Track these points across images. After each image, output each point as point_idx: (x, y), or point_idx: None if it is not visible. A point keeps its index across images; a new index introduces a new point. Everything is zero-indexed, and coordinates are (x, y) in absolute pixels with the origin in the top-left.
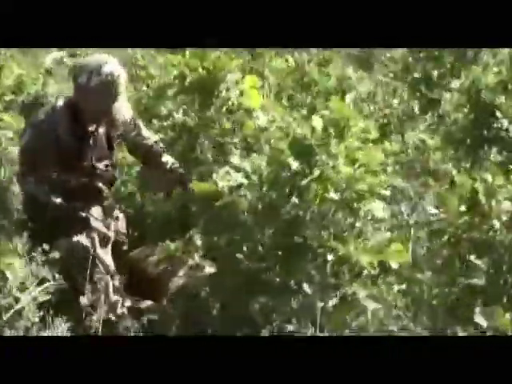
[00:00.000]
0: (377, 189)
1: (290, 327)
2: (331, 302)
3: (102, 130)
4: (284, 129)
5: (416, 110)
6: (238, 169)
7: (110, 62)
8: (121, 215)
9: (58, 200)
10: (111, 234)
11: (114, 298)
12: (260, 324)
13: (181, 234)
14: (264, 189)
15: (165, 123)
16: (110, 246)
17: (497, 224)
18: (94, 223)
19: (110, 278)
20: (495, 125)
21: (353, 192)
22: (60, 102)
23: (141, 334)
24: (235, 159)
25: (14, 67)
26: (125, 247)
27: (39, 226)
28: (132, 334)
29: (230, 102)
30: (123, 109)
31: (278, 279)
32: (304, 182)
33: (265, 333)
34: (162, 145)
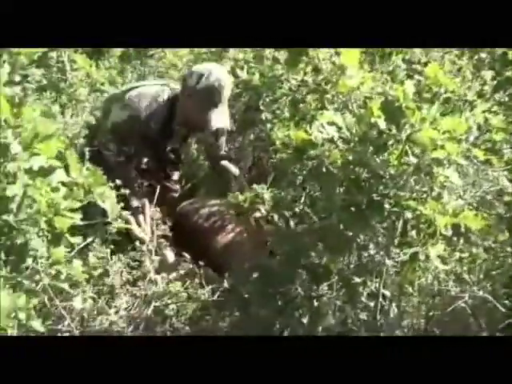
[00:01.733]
0: (456, 157)
1: (357, 279)
2: (399, 260)
3: (190, 135)
4: (376, 89)
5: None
6: (331, 123)
7: (220, 70)
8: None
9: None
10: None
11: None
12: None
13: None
14: (351, 144)
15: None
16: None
17: None
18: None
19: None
20: None
21: (433, 157)
22: (165, 95)
23: None
24: (329, 113)
25: None
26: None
27: None
28: None
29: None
30: (221, 117)
31: (347, 234)
32: (390, 142)
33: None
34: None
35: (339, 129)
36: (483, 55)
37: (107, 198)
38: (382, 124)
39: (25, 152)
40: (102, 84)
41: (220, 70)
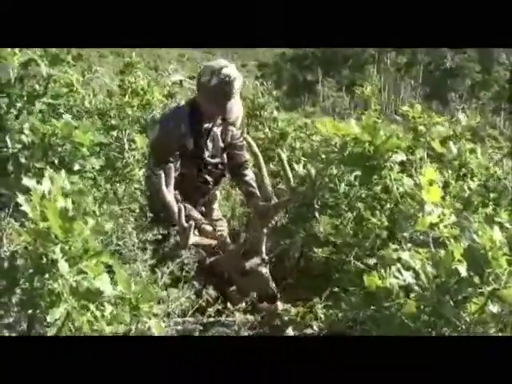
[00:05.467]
0: None
1: None
2: None
3: (218, 130)
4: (457, 229)
5: None
6: (407, 267)
7: (229, 66)
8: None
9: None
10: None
11: None
12: None
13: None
14: (428, 293)
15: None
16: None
17: None
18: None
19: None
20: None
21: None
22: (182, 102)
23: None
24: (405, 255)
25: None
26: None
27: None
28: None
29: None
30: (235, 107)
31: None
32: (471, 291)
33: None
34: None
35: (416, 274)
36: None
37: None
38: (464, 271)
39: (71, 269)
40: None
41: (230, 66)
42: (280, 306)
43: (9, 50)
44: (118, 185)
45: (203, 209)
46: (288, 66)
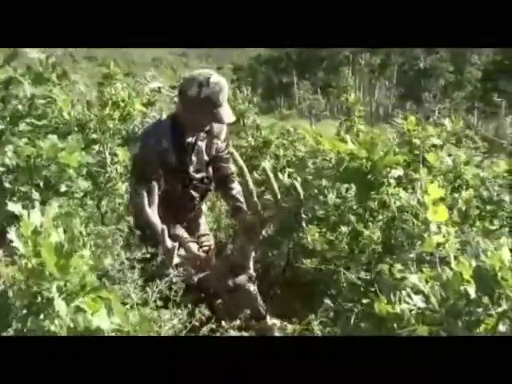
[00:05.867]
0: None
1: None
2: None
3: (202, 144)
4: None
5: None
6: (417, 290)
7: (214, 74)
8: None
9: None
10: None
11: None
12: None
13: None
14: (438, 315)
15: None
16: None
17: None
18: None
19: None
20: None
21: None
22: (164, 116)
23: None
24: (413, 278)
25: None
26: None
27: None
28: None
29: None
30: (228, 112)
31: None
32: (480, 312)
33: None
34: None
35: (427, 298)
36: None
37: None
38: (473, 292)
39: (68, 307)
40: None
41: (214, 74)
42: (269, 320)
43: None
44: (102, 201)
45: (187, 224)
46: (263, 69)
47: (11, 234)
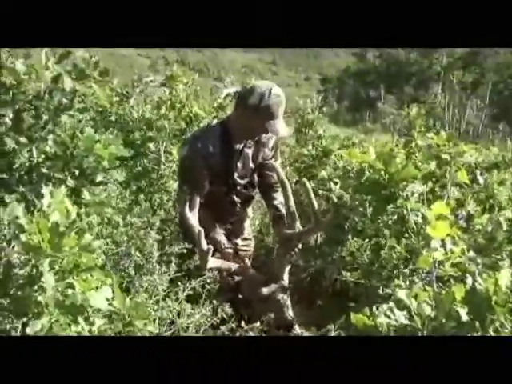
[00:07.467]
0: None
1: None
2: None
3: (249, 151)
4: (461, 269)
5: None
6: (401, 306)
7: (275, 86)
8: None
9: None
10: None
11: None
12: None
13: None
14: (424, 333)
15: None
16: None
17: None
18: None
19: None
20: None
21: None
22: (214, 121)
23: None
24: (401, 294)
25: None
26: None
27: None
28: None
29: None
30: (283, 125)
31: None
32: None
33: None
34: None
35: (411, 316)
36: None
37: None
38: (464, 315)
39: (60, 283)
40: None
41: (277, 88)
42: (296, 330)
43: (43, 63)
44: (153, 197)
45: (231, 227)
46: (351, 81)
47: (19, 211)
